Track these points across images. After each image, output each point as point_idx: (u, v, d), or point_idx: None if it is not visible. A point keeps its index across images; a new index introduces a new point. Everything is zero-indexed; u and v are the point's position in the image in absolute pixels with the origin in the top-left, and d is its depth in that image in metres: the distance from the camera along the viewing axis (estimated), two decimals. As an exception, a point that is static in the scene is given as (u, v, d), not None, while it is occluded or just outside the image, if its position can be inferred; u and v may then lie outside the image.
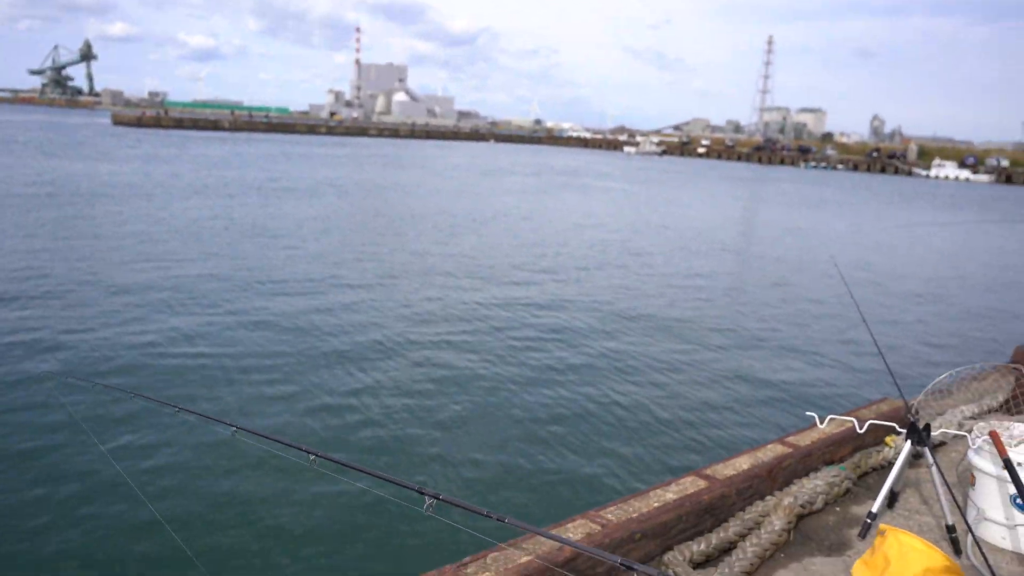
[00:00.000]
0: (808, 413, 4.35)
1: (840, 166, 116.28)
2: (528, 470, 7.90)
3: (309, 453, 2.76)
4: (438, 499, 2.37)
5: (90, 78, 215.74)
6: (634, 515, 3.85)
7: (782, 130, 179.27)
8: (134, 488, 6.35)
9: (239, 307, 13.38)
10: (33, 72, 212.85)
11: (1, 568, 5.26)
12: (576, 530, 3.69)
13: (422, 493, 2.44)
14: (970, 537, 4.15)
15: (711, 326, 14.82)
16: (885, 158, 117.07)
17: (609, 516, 3.84)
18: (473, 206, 34.10)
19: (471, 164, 69.96)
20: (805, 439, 4.94)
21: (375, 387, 9.96)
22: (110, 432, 7.59)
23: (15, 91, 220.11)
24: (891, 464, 4.63)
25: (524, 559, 3.40)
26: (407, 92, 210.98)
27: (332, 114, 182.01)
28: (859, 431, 4.28)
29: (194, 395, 8.98)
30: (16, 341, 10.36)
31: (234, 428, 3.06)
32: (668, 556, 3.80)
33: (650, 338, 13.58)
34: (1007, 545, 4.18)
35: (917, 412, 4.29)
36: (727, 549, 3.96)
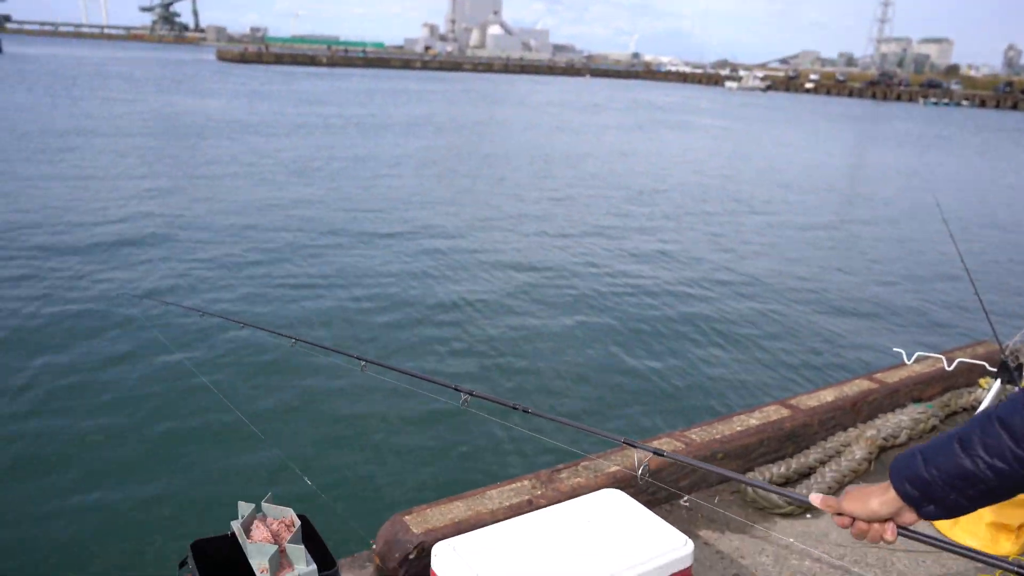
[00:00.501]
0: (896, 349, 4.44)
1: (965, 102, 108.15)
2: (615, 389, 8.29)
3: (360, 360, 3.10)
4: (472, 395, 2.68)
5: (195, 15, 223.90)
6: (717, 436, 4.11)
7: (900, 63, 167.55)
8: (215, 392, 7.12)
9: (327, 238, 14.08)
10: (143, 9, 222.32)
11: (106, 466, 6.03)
12: (661, 446, 3.98)
13: (458, 389, 2.73)
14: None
15: (804, 263, 14.66)
16: (1019, 93, 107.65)
17: (693, 436, 4.11)
18: (568, 143, 33.93)
19: (566, 100, 69.10)
20: (892, 376, 5.04)
21: (431, 306, 10.58)
22: (187, 346, 8.39)
23: (128, 28, 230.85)
24: (980, 405, 4.68)
25: (611, 468, 3.73)
26: (502, 25, 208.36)
27: (427, 48, 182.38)
28: (947, 369, 4.34)
29: (261, 312, 9.80)
30: (114, 266, 11.36)
31: (293, 340, 3.43)
32: (748, 476, 4.05)
33: (743, 270, 13.63)
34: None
35: (1012, 353, 4.32)
36: (806, 473, 4.17)
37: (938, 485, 1.49)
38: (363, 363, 3.22)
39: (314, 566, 2.37)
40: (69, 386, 7.20)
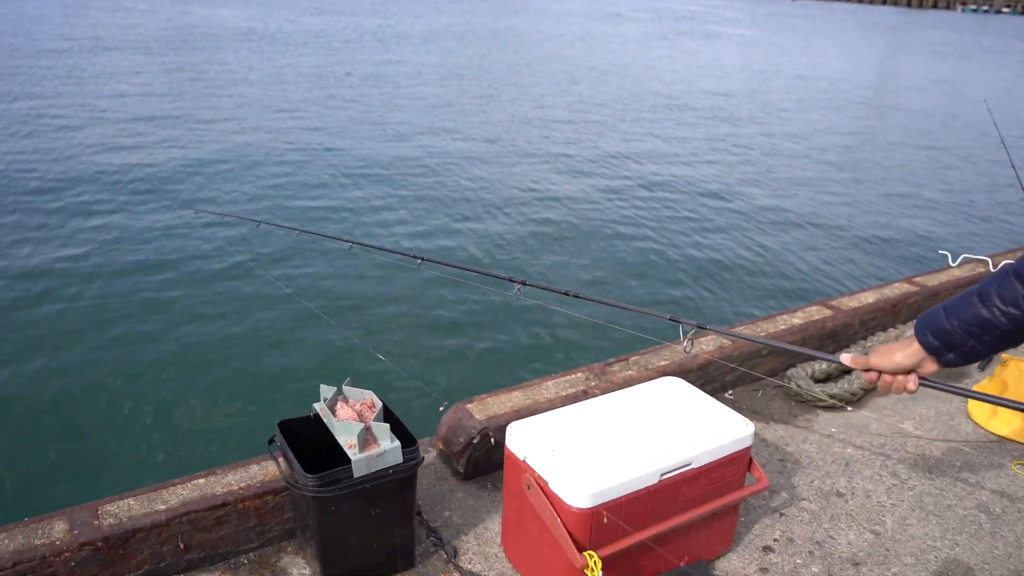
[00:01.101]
0: (942, 252, 4.47)
1: (1006, 9, 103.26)
2: (662, 285, 8.64)
3: (416, 258, 3.20)
4: (524, 284, 2.79)
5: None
6: (761, 334, 4.21)
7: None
8: (282, 287, 7.38)
9: (354, 146, 14.08)
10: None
11: (187, 363, 6.33)
12: (708, 343, 4.10)
13: (511, 280, 2.83)
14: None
15: (848, 168, 14.65)
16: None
17: (740, 331, 4.20)
18: (590, 54, 33.06)
19: (587, 9, 66.77)
20: (934, 279, 5.08)
21: (475, 206, 10.76)
22: (252, 253, 8.60)
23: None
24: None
25: (661, 363, 3.86)
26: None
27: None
28: (991, 270, 4.38)
29: (313, 218, 9.97)
30: (147, 176, 11.46)
31: (349, 243, 3.54)
32: (791, 371, 4.18)
33: (786, 174, 13.67)
34: None
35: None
36: (847, 371, 4.28)
37: (958, 334, 1.68)
38: (419, 261, 3.33)
39: (398, 442, 2.53)
40: (143, 298, 7.50)
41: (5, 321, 6.74)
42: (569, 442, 2.54)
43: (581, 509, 2.34)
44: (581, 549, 2.37)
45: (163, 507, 2.66)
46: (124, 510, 2.64)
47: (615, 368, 3.80)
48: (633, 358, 3.92)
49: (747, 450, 2.73)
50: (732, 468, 2.70)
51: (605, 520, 2.39)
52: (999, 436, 3.83)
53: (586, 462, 2.44)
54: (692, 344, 3.18)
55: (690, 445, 2.57)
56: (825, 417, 3.96)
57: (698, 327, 2.60)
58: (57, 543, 2.47)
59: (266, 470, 2.89)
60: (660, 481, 2.49)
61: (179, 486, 2.77)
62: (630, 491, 2.42)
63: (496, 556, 2.88)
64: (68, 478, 4.92)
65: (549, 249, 9.40)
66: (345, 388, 2.72)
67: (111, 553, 2.54)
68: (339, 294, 7.75)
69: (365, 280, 8.03)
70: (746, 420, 2.73)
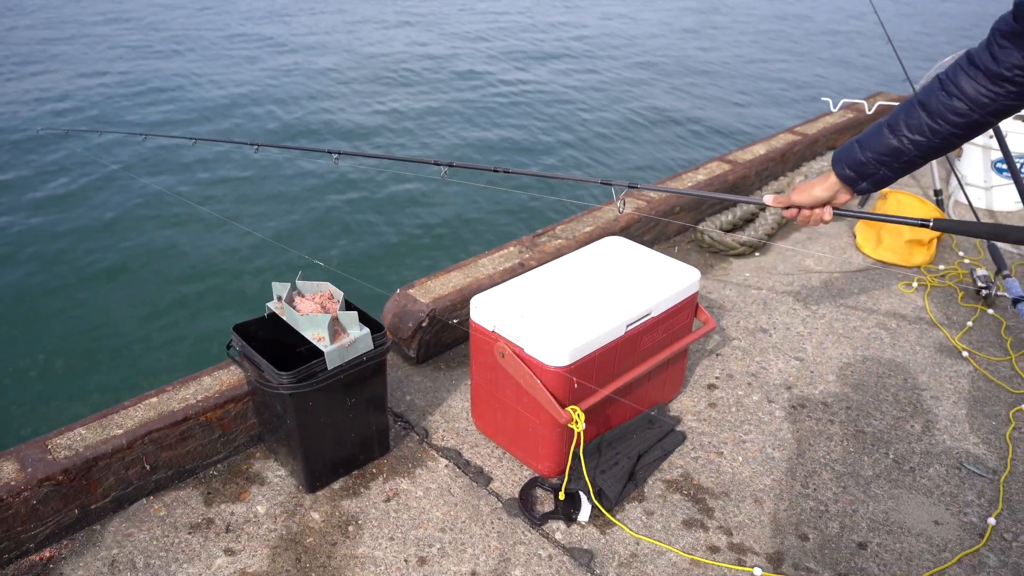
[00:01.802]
0: (824, 99, 4.75)
1: None
2: (579, 149, 8.71)
3: (331, 153, 3.05)
4: (451, 166, 2.79)
5: None
6: (673, 194, 4.38)
7: None
8: (195, 207, 6.89)
9: (252, 33, 12.98)
10: None
11: (118, 288, 5.85)
12: (628, 205, 4.22)
13: (437, 164, 2.83)
14: (952, 200, 4.80)
15: (716, 35, 15.17)
16: None
17: (651, 195, 4.35)
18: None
19: None
20: (813, 128, 5.41)
21: (390, 95, 10.35)
22: (156, 171, 7.89)
23: None
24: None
25: (586, 229, 3.95)
26: None
27: None
28: (868, 113, 4.71)
29: (210, 122, 9.22)
30: (29, 98, 10.13)
31: (255, 146, 3.32)
32: (702, 225, 4.39)
33: (667, 47, 13.98)
34: (981, 204, 4.84)
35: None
36: (749, 219, 4.56)
37: (872, 164, 1.85)
38: (335, 156, 3.18)
39: (367, 329, 2.49)
40: (48, 232, 6.66)
41: None
42: (536, 308, 2.59)
43: (560, 368, 2.42)
44: (563, 405, 2.46)
45: (120, 431, 2.51)
46: (77, 441, 2.48)
47: (543, 239, 3.85)
48: (559, 227, 3.98)
49: (695, 296, 2.88)
50: (684, 314, 2.86)
51: (576, 381, 2.49)
52: (884, 263, 4.25)
53: (558, 323, 2.50)
54: (624, 204, 3.27)
55: (647, 296, 2.69)
56: (738, 264, 4.23)
57: (629, 187, 2.67)
58: (12, 483, 2.30)
59: (220, 380, 2.77)
60: (626, 333, 2.60)
61: (131, 408, 2.62)
62: (601, 345, 2.52)
63: (467, 431, 2.95)
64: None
65: (471, 130, 9.18)
66: (299, 283, 2.62)
67: (74, 485, 2.40)
68: (254, 200, 7.22)
69: (279, 182, 7.49)
70: (692, 268, 2.88)
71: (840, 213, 2.06)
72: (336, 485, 2.67)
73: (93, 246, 6.29)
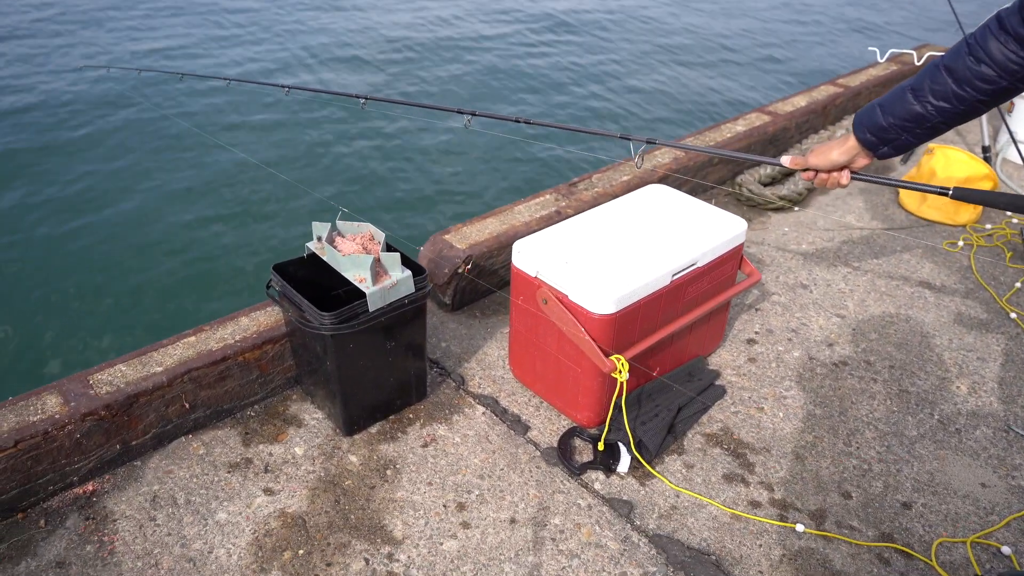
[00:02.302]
0: (871, 48, 4.57)
1: None
2: (610, 102, 8.56)
3: (359, 97, 3.01)
4: (474, 115, 2.70)
5: None
6: (710, 144, 4.26)
7: None
8: (228, 148, 6.80)
9: None
10: None
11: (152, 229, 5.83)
12: (663, 155, 4.11)
13: (461, 112, 2.74)
14: (1000, 157, 4.65)
15: None
16: None
17: (689, 143, 4.24)
18: None
19: None
20: (855, 80, 5.23)
21: (413, 46, 10.16)
22: (171, 108, 7.79)
23: None
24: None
25: (623, 178, 3.86)
26: None
27: None
28: (917, 64, 4.53)
29: (241, 65, 9.08)
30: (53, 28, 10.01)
31: (287, 88, 3.32)
32: (740, 178, 4.28)
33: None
34: (1031, 163, 4.69)
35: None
36: (790, 173, 4.44)
37: (894, 129, 1.78)
38: (363, 100, 3.11)
39: (409, 272, 2.44)
40: (88, 170, 6.59)
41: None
42: (580, 255, 2.52)
43: (605, 315, 2.37)
44: (607, 355, 2.42)
45: (160, 368, 2.50)
46: (117, 377, 2.47)
47: (580, 187, 3.77)
48: (595, 176, 3.89)
49: (740, 247, 2.81)
50: (729, 265, 2.79)
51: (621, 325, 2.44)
52: (928, 220, 4.13)
53: (604, 270, 2.44)
54: (643, 160, 3.18)
55: (693, 245, 2.62)
56: (776, 218, 4.13)
57: (647, 142, 2.59)
58: (57, 416, 2.29)
59: (257, 321, 2.75)
60: (672, 282, 2.54)
61: (169, 347, 2.60)
62: (646, 294, 2.46)
63: (503, 378, 2.92)
64: (39, 357, 4.53)
65: (492, 82, 9.00)
66: (340, 223, 2.57)
67: (116, 420, 2.39)
68: (283, 145, 7.10)
69: (307, 127, 7.36)
70: (738, 218, 2.79)
71: (858, 178, 1.99)
72: (373, 429, 2.66)
73: (130, 185, 6.22)
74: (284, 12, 11.29)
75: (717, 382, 2.92)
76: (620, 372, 2.41)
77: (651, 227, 2.70)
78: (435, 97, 8.38)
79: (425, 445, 2.60)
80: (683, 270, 2.57)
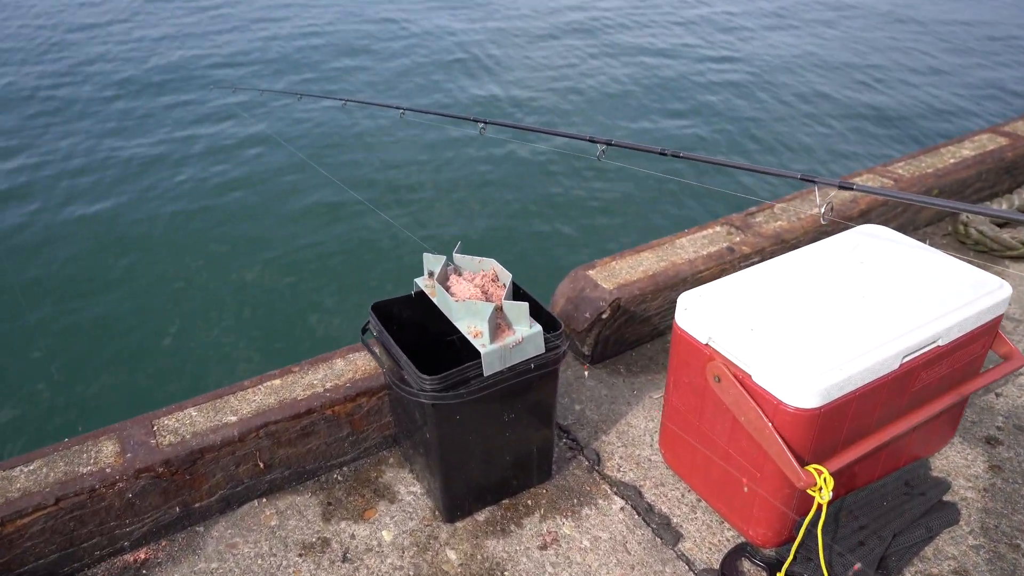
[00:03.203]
0: None
1: None
2: (786, 128, 7.45)
3: (477, 122, 2.67)
4: (610, 144, 2.26)
5: None
6: (929, 170, 3.41)
7: None
8: (324, 172, 6.50)
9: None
10: None
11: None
12: (866, 183, 3.32)
13: (593, 141, 2.31)
14: None
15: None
16: None
17: (900, 171, 3.42)
18: None
19: None
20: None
21: (535, 63, 9.55)
22: (287, 130, 7.64)
23: None
24: None
25: (813, 211, 3.11)
26: None
27: None
28: None
29: (356, 88, 8.89)
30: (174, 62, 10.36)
31: (402, 110, 3.13)
32: (967, 215, 3.40)
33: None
34: None
35: None
36: (1030, 211, 3.49)
37: None
38: (482, 125, 2.66)
39: (538, 327, 1.87)
40: (185, 190, 6.46)
41: (33, 220, 5.96)
42: (771, 319, 1.85)
43: (804, 410, 1.69)
44: (802, 462, 1.74)
45: (234, 418, 2.07)
46: (185, 424, 2.06)
47: (759, 219, 3.06)
48: (778, 206, 3.17)
49: (998, 319, 2.02)
50: (980, 343, 2.02)
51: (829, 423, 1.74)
52: None
53: (805, 344, 1.76)
54: (831, 209, 2.47)
55: (933, 315, 1.87)
56: (1017, 269, 3.22)
57: (840, 187, 1.89)
58: (108, 470, 1.91)
59: (355, 365, 2.28)
60: (900, 367, 1.81)
61: (249, 390, 2.18)
62: (864, 382, 1.76)
63: (651, 462, 2.29)
64: (115, 394, 4.15)
65: (628, 109, 8.08)
66: (456, 257, 2.04)
67: (176, 479, 1.98)
68: (394, 169, 6.70)
69: (423, 152, 6.97)
70: (996, 278, 2.01)
71: None
72: (481, 516, 2.11)
73: (233, 211, 5.99)
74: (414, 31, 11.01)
75: (946, 498, 2.14)
76: (820, 491, 1.71)
77: (870, 285, 1.98)
78: (568, 122, 7.62)
79: (544, 547, 2.02)
80: (918, 350, 1.83)
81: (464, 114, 2.82)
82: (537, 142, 6.69)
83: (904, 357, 1.81)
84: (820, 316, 1.86)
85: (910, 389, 1.91)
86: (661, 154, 2.21)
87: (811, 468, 1.73)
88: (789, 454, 1.72)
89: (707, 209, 5.89)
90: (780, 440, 1.73)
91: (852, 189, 1.88)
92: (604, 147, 2.30)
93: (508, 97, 8.39)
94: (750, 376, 1.78)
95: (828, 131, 7.39)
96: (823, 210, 1.89)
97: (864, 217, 3.16)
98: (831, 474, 1.73)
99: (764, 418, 1.75)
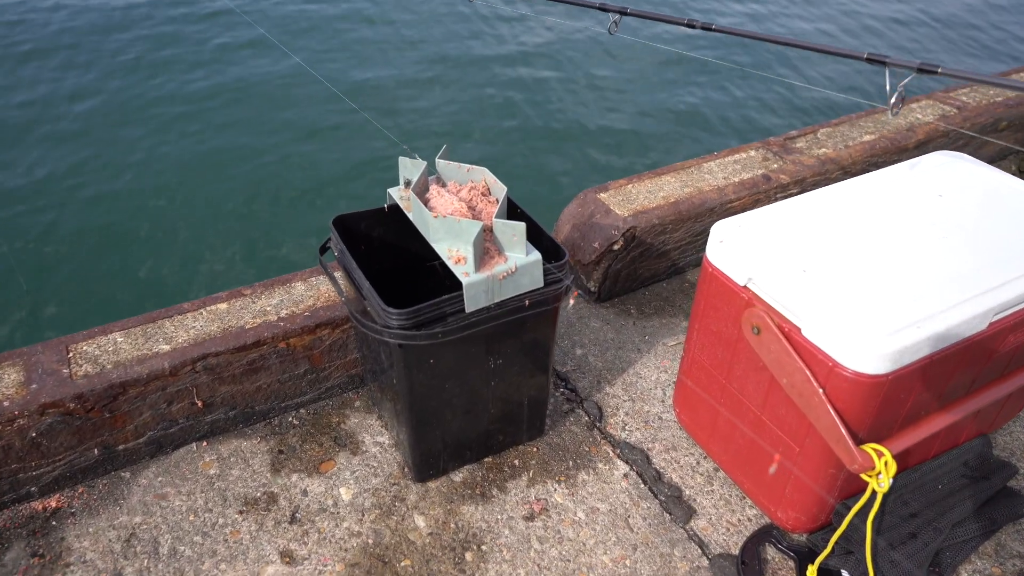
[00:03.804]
0: None
1: None
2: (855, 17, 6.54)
3: None
4: (625, 13, 1.82)
5: None
6: (998, 99, 2.97)
7: None
8: (308, 69, 5.82)
9: None
10: None
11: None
12: (925, 111, 2.89)
13: (604, 8, 1.86)
14: None
15: None
16: None
17: (963, 98, 2.98)
18: None
19: None
20: None
21: None
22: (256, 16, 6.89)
23: None
24: None
25: (866, 137, 2.69)
26: None
27: None
28: None
29: None
30: None
31: None
32: (1034, 153, 2.98)
33: None
34: None
35: None
36: (1105, 153, 3.07)
37: None
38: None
39: (537, 254, 1.49)
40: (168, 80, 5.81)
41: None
42: (828, 258, 1.48)
43: (867, 376, 1.33)
44: (858, 440, 1.39)
45: (166, 347, 1.72)
46: (108, 352, 1.71)
47: (799, 144, 2.65)
48: (821, 130, 2.75)
49: (1104, 273, 1.64)
50: (1078, 302, 1.64)
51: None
52: None
53: (871, 294, 1.39)
54: (902, 102, 2.00)
55: (1029, 266, 1.50)
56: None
57: (919, 70, 1.47)
58: (6, 404, 1.57)
59: (317, 290, 1.91)
60: (989, 327, 1.44)
61: (189, 315, 1.82)
62: (943, 345, 1.39)
63: (661, 419, 1.95)
64: (35, 315, 3.54)
65: None
66: (439, 163, 1.65)
67: (92, 417, 1.64)
68: (361, 52, 5.78)
69: (397, 28, 6.09)
70: (1108, 224, 1.62)
71: None
72: (457, 476, 1.78)
73: (210, 115, 5.27)
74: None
75: (1012, 484, 1.81)
76: (878, 475, 1.37)
77: (951, 224, 1.60)
78: None
79: (531, 517, 1.69)
80: (1011, 308, 1.46)
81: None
82: (533, 12, 5.74)
83: (995, 315, 1.44)
84: (890, 259, 1.49)
85: (993, 355, 1.54)
86: (689, 26, 1.77)
87: (869, 448, 1.38)
88: (843, 429, 1.37)
89: (744, 119, 4.77)
90: (832, 411, 1.38)
91: (936, 73, 1.45)
92: (618, 16, 1.87)
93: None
94: (799, 329, 1.41)
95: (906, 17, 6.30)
96: (892, 100, 1.48)
97: (920, 149, 2.75)
98: (894, 456, 1.39)
99: (814, 382, 1.39)
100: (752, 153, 2.57)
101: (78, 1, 6.78)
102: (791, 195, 2.43)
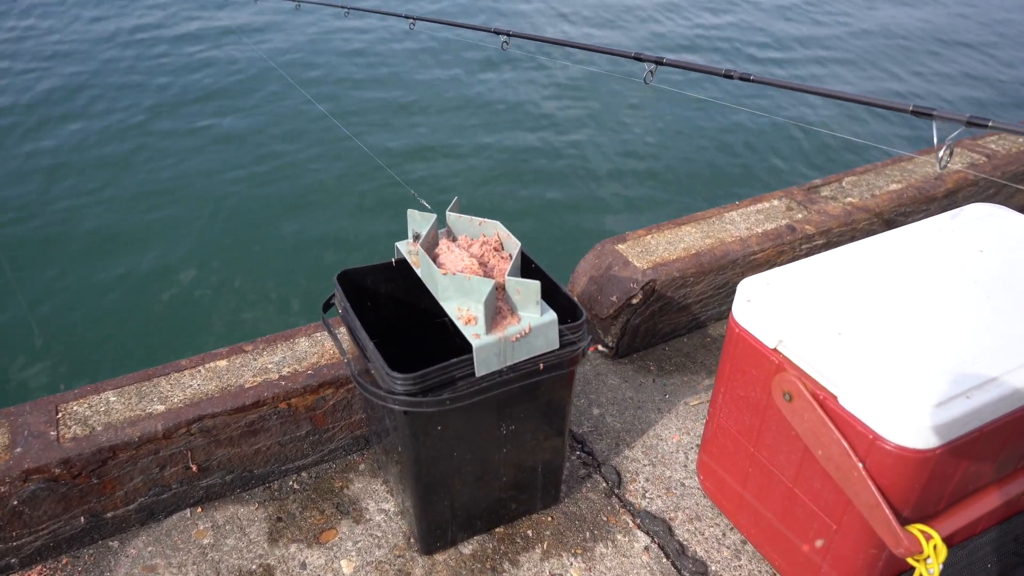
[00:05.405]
0: None
1: None
2: (881, 54, 6.44)
3: (499, 34, 2.26)
4: (660, 63, 1.82)
5: None
6: (1027, 147, 2.88)
7: None
8: (291, 81, 5.81)
9: None
10: None
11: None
12: (953, 159, 2.80)
13: (639, 59, 1.86)
14: None
15: None
16: None
17: (993, 146, 2.89)
18: None
19: None
20: None
21: None
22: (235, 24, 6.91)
23: None
24: None
25: (892, 187, 2.60)
26: None
27: None
28: None
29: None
30: None
31: (411, 20, 2.70)
32: (1067, 202, 2.88)
33: None
34: None
35: None
36: None
37: None
38: (504, 39, 2.23)
39: (552, 314, 1.40)
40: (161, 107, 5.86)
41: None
42: (865, 319, 1.38)
43: (912, 451, 1.22)
44: (903, 519, 1.27)
45: (161, 408, 1.63)
46: (99, 412, 1.62)
47: (824, 193, 2.56)
48: (847, 179, 2.66)
49: None
50: None
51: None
52: None
53: (914, 359, 1.28)
54: (950, 155, 1.92)
55: (1087, 329, 1.38)
56: None
57: (968, 123, 1.38)
58: (-15, 470, 1.48)
59: (322, 346, 1.83)
60: (1042, 396, 1.33)
61: (187, 373, 1.73)
62: (997, 415, 1.28)
63: (684, 487, 1.83)
64: (26, 369, 3.37)
65: (680, 23, 6.84)
66: (450, 216, 1.57)
67: (79, 484, 1.55)
68: (399, 84, 5.76)
69: (433, 64, 6.08)
70: None
71: None
72: (467, 548, 1.66)
73: (203, 140, 5.27)
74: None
75: (1066, 561, 1.66)
76: (927, 560, 1.24)
77: (996, 281, 1.49)
78: (604, 40, 6.35)
79: (544, 595, 1.57)
80: (1065, 373, 1.34)
81: (483, 25, 2.35)
82: (567, 62, 5.72)
83: (1048, 382, 1.32)
84: (931, 320, 1.38)
85: (1045, 424, 1.42)
86: (726, 76, 1.70)
87: (915, 530, 1.26)
88: (887, 508, 1.25)
89: (770, 169, 4.63)
90: (874, 488, 1.26)
91: (986, 127, 1.37)
92: (653, 66, 1.82)
93: (535, 9, 7.48)
94: (836, 397, 1.30)
95: (949, 69, 6.22)
96: (941, 154, 1.39)
97: (949, 198, 2.65)
98: (943, 540, 1.26)
99: (853, 456, 1.28)
100: (775, 202, 2.49)
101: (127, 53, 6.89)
102: (817, 246, 2.34)
